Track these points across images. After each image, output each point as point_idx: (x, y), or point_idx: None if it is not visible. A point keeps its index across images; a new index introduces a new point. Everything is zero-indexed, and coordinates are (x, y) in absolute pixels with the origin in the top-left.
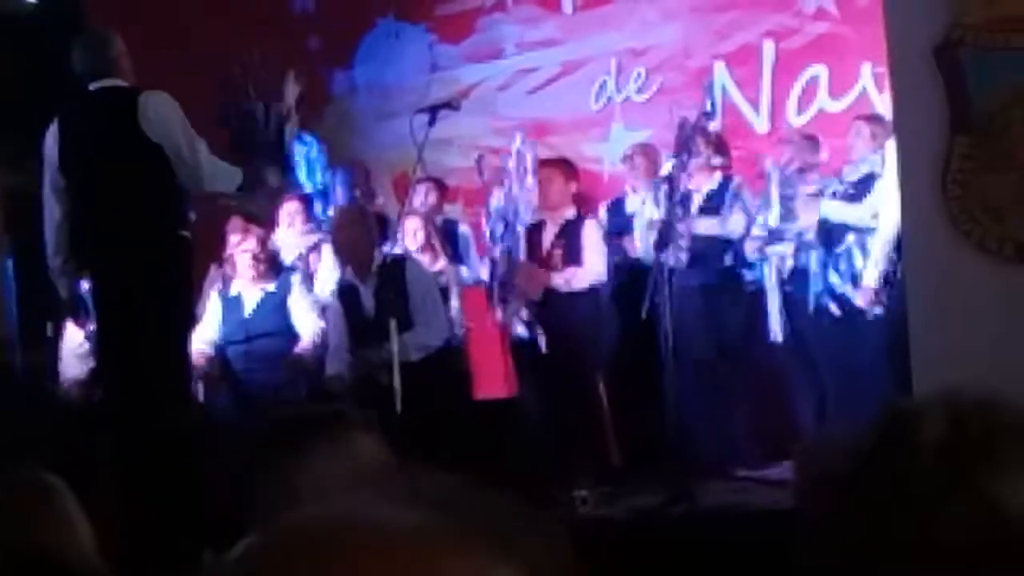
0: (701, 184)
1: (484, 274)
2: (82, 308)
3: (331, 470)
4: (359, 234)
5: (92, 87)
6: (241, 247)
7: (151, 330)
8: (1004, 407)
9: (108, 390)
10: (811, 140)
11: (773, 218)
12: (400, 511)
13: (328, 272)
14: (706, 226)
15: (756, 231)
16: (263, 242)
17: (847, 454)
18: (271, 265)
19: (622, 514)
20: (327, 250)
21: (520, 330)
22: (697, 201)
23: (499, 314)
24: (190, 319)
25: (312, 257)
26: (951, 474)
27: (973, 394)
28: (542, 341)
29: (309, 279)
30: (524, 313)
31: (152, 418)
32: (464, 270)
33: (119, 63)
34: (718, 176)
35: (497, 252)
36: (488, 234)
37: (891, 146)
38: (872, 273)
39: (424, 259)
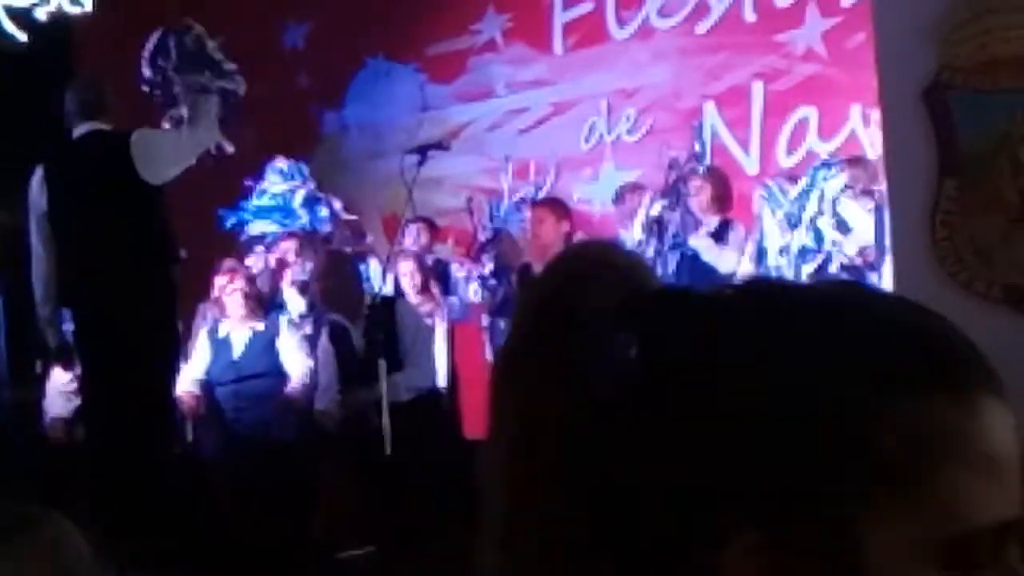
0: (698, 225)
1: (474, 314)
2: (69, 357)
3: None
4: (341, 281)
5: (79, 131)
6: (231, 286)
7: (137, 370)
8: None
9: (93, 430)
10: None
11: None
12: None
13: (319, 311)
14: (705, 245)
15: (746, 266)
16: (252, 281)
17: None
18: (260, 304)
19: None
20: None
21: None
22: (690, 238)
23: (489, 353)
24: (176, 359)
25: (304, 296)
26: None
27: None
28: None
29: (300, 318)
30: None
31: (137, 458)
32: (455, 310)
33: (107, 107)
34: (715, 220)
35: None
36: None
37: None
38: None
39: (417, 300)
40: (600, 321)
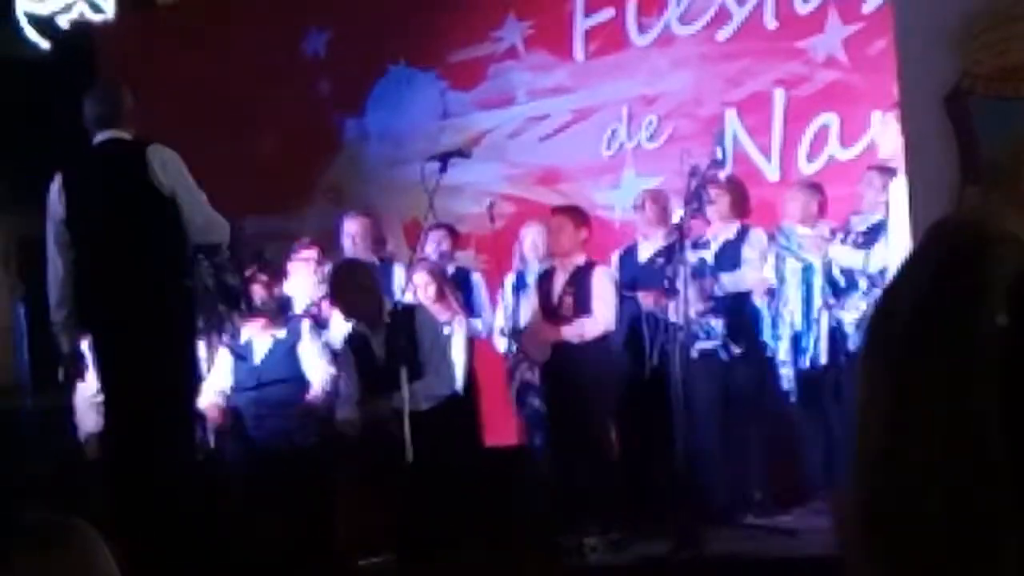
0: (718, 233)
1: (495, 322)
2: (83, 363)
3: None
4: (358, 291)
5: (98, 139)
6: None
7: (156, 379)
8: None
9: (114, 439)
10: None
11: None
12: None
13: (340, 320)
14: (730, 281)
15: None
16: (269, 289)
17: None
18: (280, 312)
19: (631, 562)
20: None
21: (530, 377)
22: (713, 249)
23: (510, 362)
24: (195, 366)
25: (325, 303)
26: None
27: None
28: (553, 389)
29: (322, 326)
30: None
31: (159, 467)
32: (478, 321)
33: (127, 115)
34: (735, 227)
35: (510, 303)
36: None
37: (897, 194)
38: None
39: (437, 308)
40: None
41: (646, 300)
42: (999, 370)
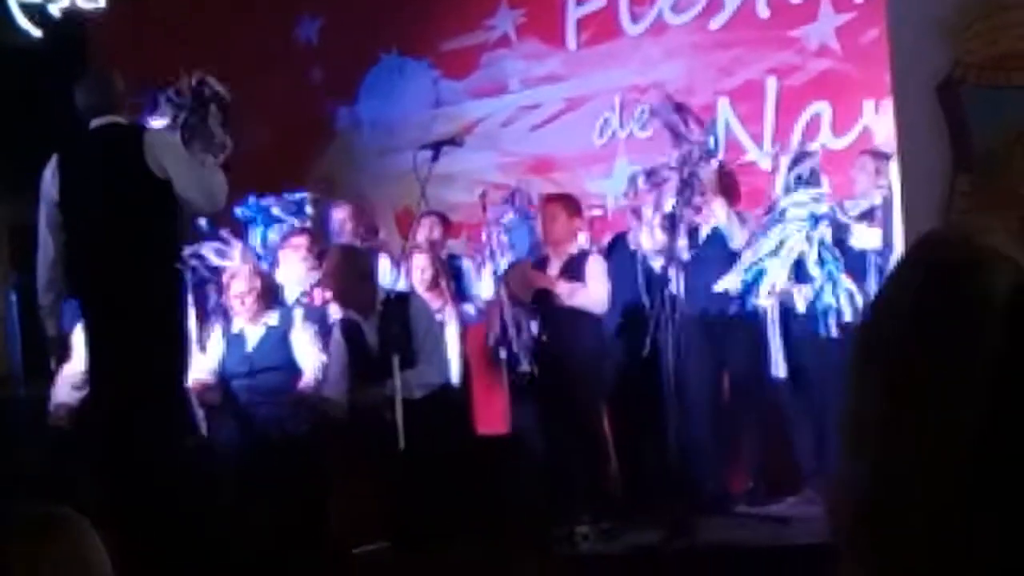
0: (708, 219)
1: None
2: (68, 347)
3: (61, 569)
4: (354, 277)
5: (94, 124)
6: (232, 291)
7: (146, 364)
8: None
9: (101, 422)
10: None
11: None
12: None
13: (333, 306)
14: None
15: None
16: (258, 277)
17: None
18: (270, 300)
19: (623, 550)
20: None
21: (523, 366)
22: (704, 235)
23: (501, 350)
24: (186, 351)
25: (317, 292)
26: None
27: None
28: (544, 377)
29: (315, 313)
30: (526, 347)
31: (148, 454)
32: (469, 307)
33: (121, 100)
34: (723, 213)
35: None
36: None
37: (895, 181)
38: None
39: (429, 296)
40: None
41: (638, 284)
42: (989, 389)
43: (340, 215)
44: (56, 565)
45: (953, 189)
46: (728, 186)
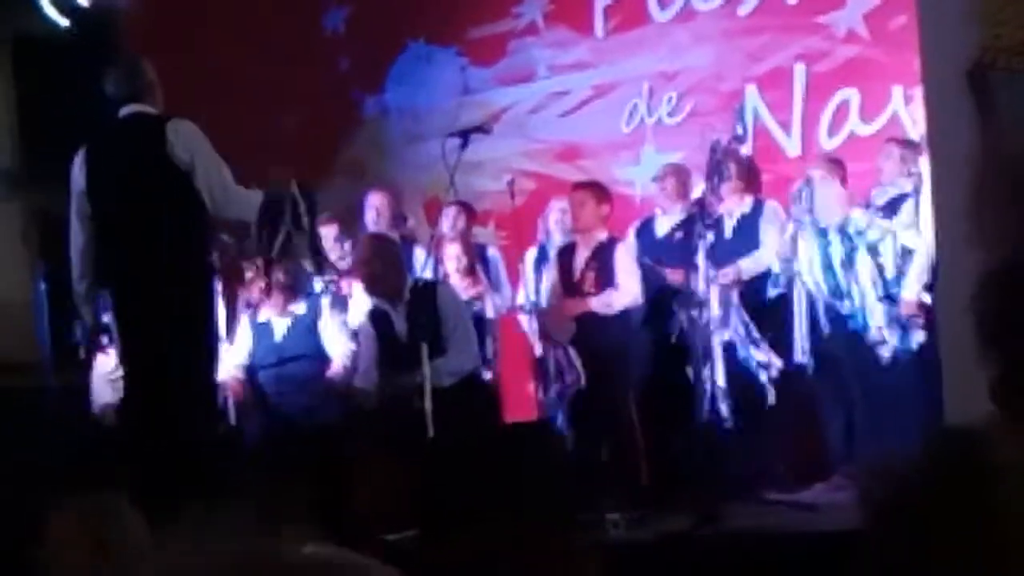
0: (732, 208)
1: (515, 298)
2: (106, 334)
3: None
4: (385, 265)
5: (122, 113)
6: (251, 283)
7: (175, 350)
8: None
9: (133, 410)
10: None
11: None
12: None
13: (361, 295)
14: (747, 265)
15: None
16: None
17: (913, 476)
18: (295, 290)
19: (652, 537)
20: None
21: (552, 354)
22: (729, 225)
23: (532, 340)
24: (215, 340)
25: (345, 281)
26: None
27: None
28: (575, 364)
29: (342, 302)
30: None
31: (179, 442)
32: (497, 296)
33: (150, 89)
34: (749, 200)
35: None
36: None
37: (925, 169)
38: (905, 296)
39: (463, 284)
40: None
41: (673, 276)
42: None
43: (370, 203)
44: (111, 547)
45: (982, 181)
46: (753, 173)
